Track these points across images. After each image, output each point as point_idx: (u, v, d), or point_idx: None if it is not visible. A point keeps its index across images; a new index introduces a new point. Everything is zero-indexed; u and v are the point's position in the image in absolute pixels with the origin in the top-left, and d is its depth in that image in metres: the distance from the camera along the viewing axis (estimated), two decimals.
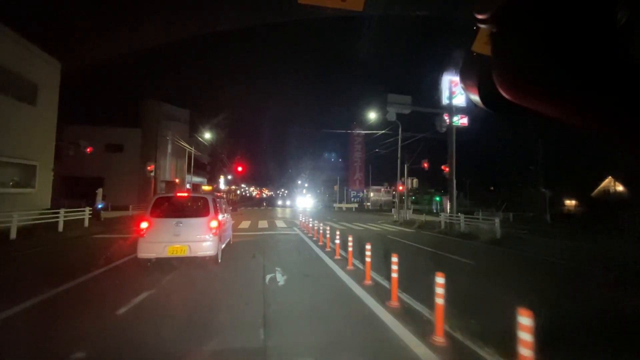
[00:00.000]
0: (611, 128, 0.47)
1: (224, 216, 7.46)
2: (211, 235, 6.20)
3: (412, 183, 22.92)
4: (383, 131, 25.78)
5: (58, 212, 12.14)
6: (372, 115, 23.46)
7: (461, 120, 19.75)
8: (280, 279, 5.57)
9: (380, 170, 43.26)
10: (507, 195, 36.32)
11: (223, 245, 7.21)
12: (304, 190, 64.14)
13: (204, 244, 6.10)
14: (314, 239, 10.80)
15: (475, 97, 0.64)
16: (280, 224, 16.68)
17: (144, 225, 5.97)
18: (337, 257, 7.72)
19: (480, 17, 0.52)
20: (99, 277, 5.58)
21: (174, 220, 6.10)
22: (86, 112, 32.55)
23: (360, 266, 6.74)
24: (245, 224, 15.59)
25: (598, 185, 39.50)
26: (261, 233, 12.31)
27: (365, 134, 42.68)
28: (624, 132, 0.46)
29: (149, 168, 19.36)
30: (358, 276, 5.79)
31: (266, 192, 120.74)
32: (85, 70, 33.04)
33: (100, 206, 17.09)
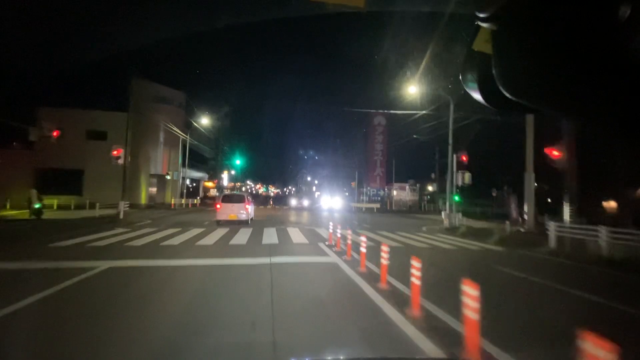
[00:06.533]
0: (612, 125, 0.48)
1: (251, 203, 15.01)
2: (245, 211, 13.31)
3: (463, 178, 17.49)
4: (424, 111, 20.26)
5: None
6: (412, 91, 18.01)
7: None
8: None
9: (404, 165, 37.66)
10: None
11: (251, 216, 14.55)
12: (315, 188, 58.90)
13: (243, 214, 13.21)
14: (370, 273, 5.43)
15: (477, 95, 0.63)
16: (295, 235, 10.91)
17: (218, 206, 13.39)
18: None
19: (481, 15, 0.51)
20: None
21: (230, 204, 13.27)
22: (63, 91, 27.74)
23: None
24: (242, 236, 10.20)
25: None
26: (266, 262, 6.86)
27: (390, 119, 37.14)
28: (625, 129, 0.46)
29: (114, 153, 14.23)
30: None
31: (273, 190, 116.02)
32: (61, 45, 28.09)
33: (37, 206, 12.13)
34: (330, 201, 34.65)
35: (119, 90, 29.89)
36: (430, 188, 33.60)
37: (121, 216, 14.09)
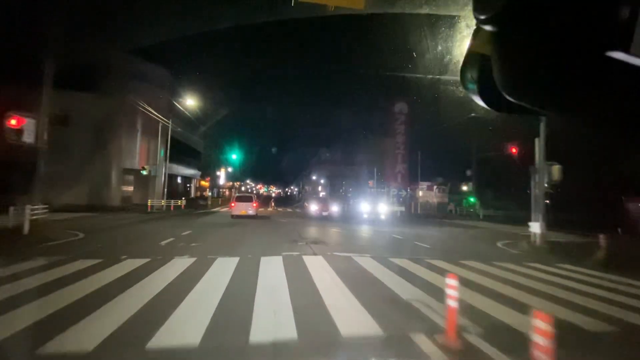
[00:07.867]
0: (612, 127, 0.47)
1: (258, 202, 19.59)
2: (254, 208, 17.68)
3: (550, 173, 11.97)
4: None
5: None
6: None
7: None
8: None
9: (430, 161, 31.97)
10: None
11: (256, 212, 17.86)
12: (320, 188, 53.34)
13: (251, 211, 17.50)
14: None
15: (477, 98, 0.63)
16: (329, 288, 4.62)
17: (233, 204, 18.37)
18: None
19: (481, 17, 0.50)
20: None
21: (242, 202, 17.96)
22: (15, 67, 22.47)
23: None
24: (206, 293, 4.58)
25: None
26: None
27: (412, 107, 31.58)
28: (625, 130, 0.46)
29: (10, 123, 8.70)
30: None
31: (274, 190, 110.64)
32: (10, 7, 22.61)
33: None
34: (370, 207, 24.91)
35: (87, 67, 24.19)
36: (465, 188, 27.90)
37: (25, 230, 8.53)
